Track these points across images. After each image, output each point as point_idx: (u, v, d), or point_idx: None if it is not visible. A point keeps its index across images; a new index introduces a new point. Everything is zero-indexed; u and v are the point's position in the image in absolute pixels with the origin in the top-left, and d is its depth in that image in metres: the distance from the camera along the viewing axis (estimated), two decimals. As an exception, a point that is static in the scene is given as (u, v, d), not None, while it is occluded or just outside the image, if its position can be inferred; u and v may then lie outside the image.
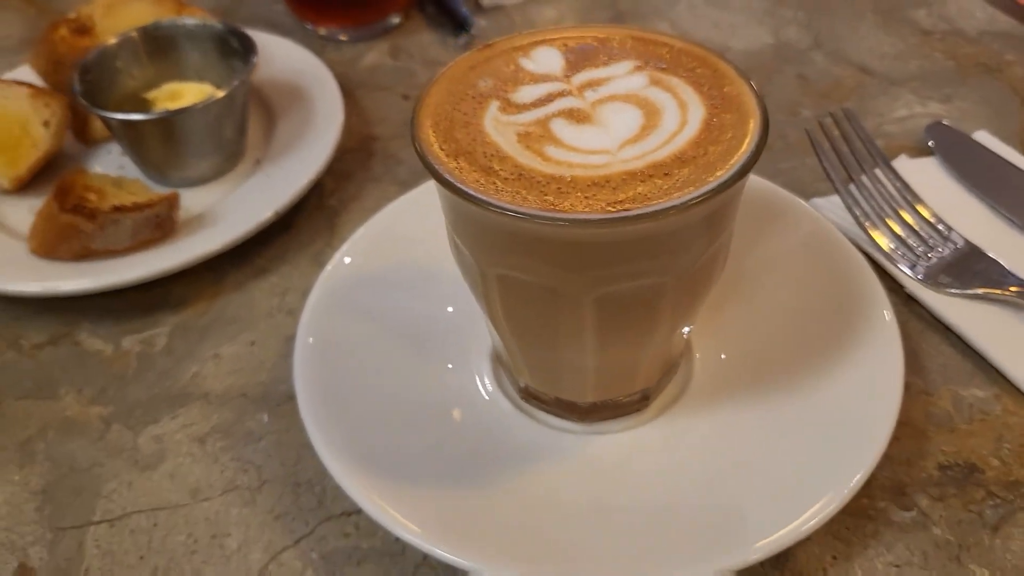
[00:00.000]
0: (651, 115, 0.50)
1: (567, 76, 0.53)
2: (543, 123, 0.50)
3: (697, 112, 0.50)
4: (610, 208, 0.44)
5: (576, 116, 0.50)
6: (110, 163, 0.84)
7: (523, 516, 0.53)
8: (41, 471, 0.61)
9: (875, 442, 0.52)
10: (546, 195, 0.45)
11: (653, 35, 0.56)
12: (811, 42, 0.95)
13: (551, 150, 0.48)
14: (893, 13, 0.99)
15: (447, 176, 0.46)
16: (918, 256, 0.68)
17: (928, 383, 0.61)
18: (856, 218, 0.70)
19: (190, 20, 0.82)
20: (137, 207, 0.69)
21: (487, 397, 0.61)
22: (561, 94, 0.52)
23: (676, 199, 0.44)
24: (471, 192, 0.45)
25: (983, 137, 0.79)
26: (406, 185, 0.80)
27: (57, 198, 0.70)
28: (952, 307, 0.65)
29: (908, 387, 0.55)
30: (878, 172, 0.73)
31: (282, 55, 0.90)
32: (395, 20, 1.00)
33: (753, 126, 0.49)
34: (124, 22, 0.90)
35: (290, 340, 0.67)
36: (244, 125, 0.80)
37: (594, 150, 0.48)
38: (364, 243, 0.68)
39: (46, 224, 0.70)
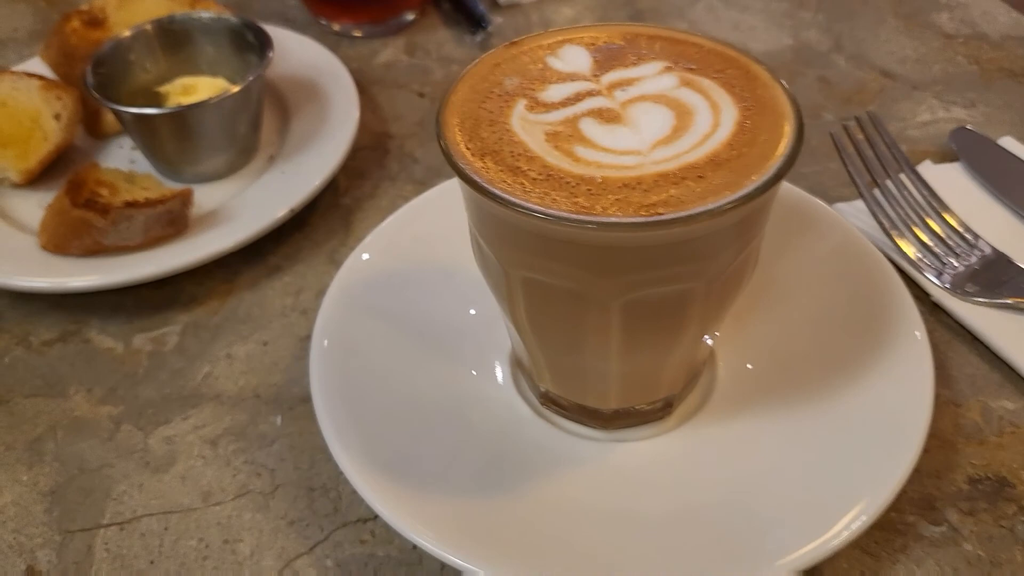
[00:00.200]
0: (683, 116, 0.48)
1: (595, 75, 0.52)
2: (572, 122, 0.48)
3: (730, 114, 0.48)
4: (643, 211, 0.42)
5: (606, 116, 0.48)
6: (121, 157, 0.82)
7: (542, 524, 0.52)
8: (50, 471, 0.60)
9: (906, 455, 0.51)
10: (576, 197, 0.44)
11: (682, 35, 0.54)
12: (832, 45, 0.93)
13: (581, 150, 0.46)
14: (915, 16, 0.97)
15: (473, 176, 0.45)
16: (944, 264, 0.66)
17: (956, 394, 0.60)
18: (881, 224, 0.68)
19: (205, 14, 0.81)
20: (150, 203, 0.68)
21: (506, 402, 0.59)
22: (590, 93, 0.50)
23: (712, 203, 0.42)
24: (498, 193, 0.44)
25: (1009, 143, 0.77)
26: (422, 184, 0.79)
27: (69, 193, 0.68)
28: (980, 316, 0.63)
29: (936, 398, 0.54)
30: (903, 177, 0.72)
31: (297, 50, 0.89)
32: (410, 16, 0.99)
33: (788, 129, 0.47)
34: (137, 15, 0.89)
35: (303, 341, 0.65)
36: (258, 120, 0.79)
37: (625, 151, 0.46)
38: (381, 242, 0.67)
39: (57, 219, 0.69)
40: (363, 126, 0.82)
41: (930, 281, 0.66)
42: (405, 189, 0.79)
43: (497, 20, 0.99)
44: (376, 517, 0.53)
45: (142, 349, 0.67)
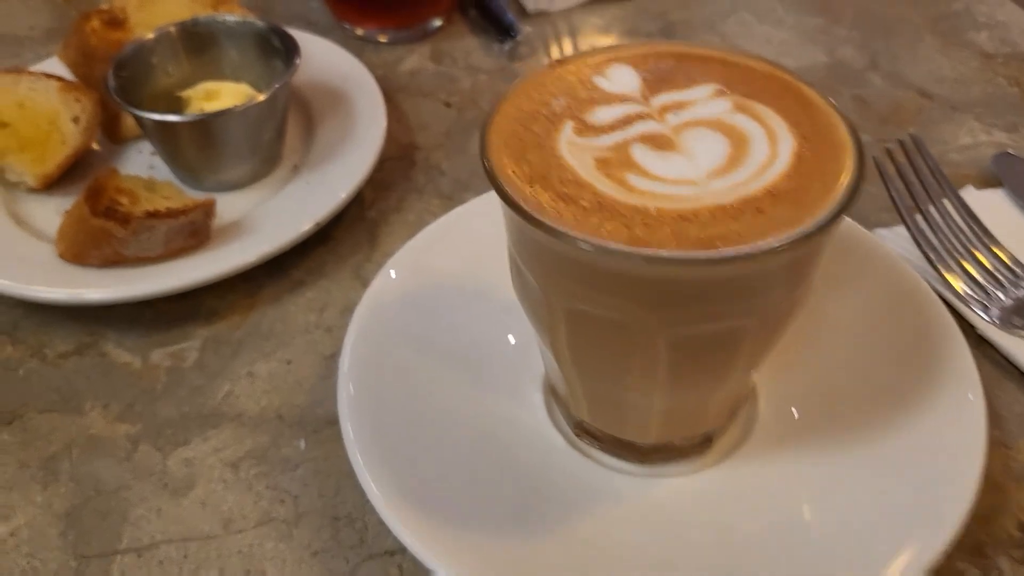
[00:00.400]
0: (739, 144, 0.46)
1: (645, 97, 0.50)
2: (623, 148, 0.46)
3: (787, 143, 0.46)
4: (701, 246, 0.40)
5: (658, 142, 0.46)
6: (140, 163, 0.81)
7: (576, 562, 0.50)
8: (65, 492, 0.58)
9: (960, 501, 0.49)
10: (631, 228, 0.42)
11: (735, 56, 0.52)
12: (867, 63, 0.91)
13: (633, 178, 0.44)
14: (952, 35, 0.95)
15: (522, 204, 0.43)
16: (991, 297, 0.64)
17: (1006, 434, 0.57)
18: (925, 254, 0.66)
19: (230, 17, 0.79)
20: (172, 213, 0.66)
21: (540, 431, 0.58)
22: (640, 117, 0.48)
23: (774, 240, 0.40)
24: (549, 223, 0.42)
25: (1054, 170, 0.75)
26: (449, 198, 0.77)
27: (88, 200, 0.66)
28: (1030, 352, 0.61)
29: (986, 439, 0.52)
30: (946, 203, 0.70)
31: (321, 55, 0.87)
32: (437, 23, 0.97)
33: (848, 160, 0.45)
34: (158, 16, 0.87)
35: (328, 360, 0.64)
36: (283, 129, 0.77)
37: (680, 180, 0.44)
38: (410, 259, 0.65)
39: (76, 227, 0.67)
40: (389, 136, 0.80)
41: (976, 315, 0.64)
42: (432, 203, 0.77)
43: (525, 29, 0.97)
44: (404, 550, 0.51)
45: (160, 364, 0.65)
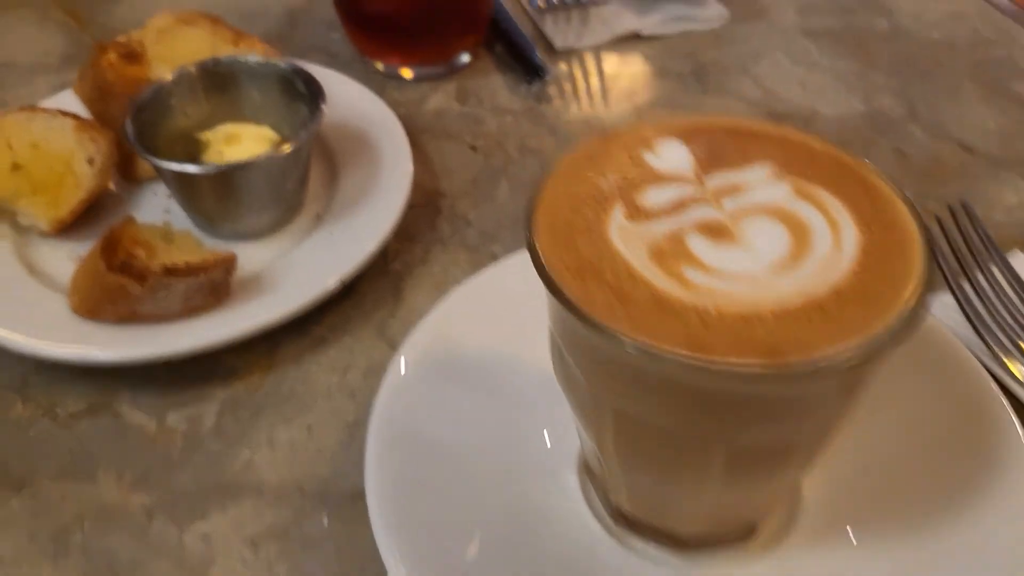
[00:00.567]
0: (800, 235, 0.44)
1: (699, 178, 0.48)
2: (678, 237, 0.44)
3: (850, 234, 0.44)
4: (765, 354, 0.38)
5: (715, 231, 0.44)
6: (156, 205, 0.79)
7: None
8: (76, 567, 0.56)
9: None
10: (689, 328, 0.40)
11: (791, 133, 0.50)
12: (906, 112, 0.89)
13: (691, 273, 0.42)
14: (994, 84, 0.93)
15: (574, 300, 0.41)
16: (1047, 376, 0.62)
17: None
18: (977, 330, 0.64)
19: (253, 58, 0.77)
20: (191, 270, 0.64)
21: (576, 516, 0.55)
22: (695, 200, 0.46)
23: (844, 350, 0.38)
24: (603, 324, 0.40)
25: (1106, 235, 0.73)
26: (475, 251, 0.75)
27: (103, 253, 0.64)
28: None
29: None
30: (995, 271, 0.68)
31: (344, 94, 0.85)
32: (463, 59, 0.95)
33: (917, 254, 0.43)
34: (176, 49, 0.85)
35: (351, 427, 0.62)
36: (306, 176, 0.75)
37: (740, 275, 0.42)
38: (440, 324, 0.63)
39: (91, 282, 0.65)
40: (413, 181, 0.77)
41: (1031, 396, 0.62)
42: (458, 255, 0.75)
43: (553, 69, 0.94)
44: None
45: (176, 428, 0.63)
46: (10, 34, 1.03)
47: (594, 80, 0.92)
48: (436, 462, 0.56)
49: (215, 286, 0.66)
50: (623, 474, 0.50)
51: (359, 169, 0.79)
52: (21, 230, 0.75)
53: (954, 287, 0.66)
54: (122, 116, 0.78)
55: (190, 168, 0.68)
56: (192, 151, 0.76)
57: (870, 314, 0.40)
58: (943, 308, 0.68)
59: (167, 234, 0.71)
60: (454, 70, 0.94)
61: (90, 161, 0.76)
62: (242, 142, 0.75)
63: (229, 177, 0.69)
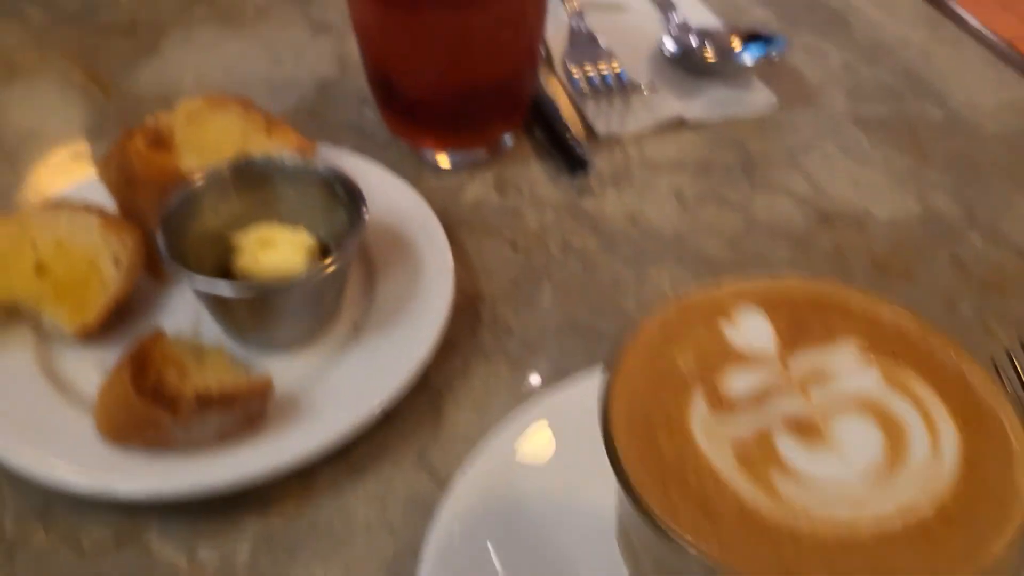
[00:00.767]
0: (895, 436, 0.42)
1: (783, 359, 0.45)
2: (765, 437, 0.42)
3: (949, 436, 0.42)
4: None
5: (804, 429, 0.42)
6: (185, 307, 0.76)
7: None
8: None
9: None
10: (780, 552, 0.38)
11: (876, 304, 0.48)
12: (963, 215, 0.87)
13: (781, 482, 0.40)
14: (1055, 184, 0.91)
15: (657, 513, 0.38)
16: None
17: None
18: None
19: (288, 158, 0.75)
20: (225, 399, 0.62)
21: None
22: (780, 389, 0.44)
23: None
24: (688, 543, 0.37)
25: None
26: (517, 364, 0.73)
27: (133, 378, 0.62)
28: None
29: None
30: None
31: (380, 187, 0.83)
32: (505, 142, 0.92)
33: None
34: (206, 136, 0.83)
35: (390, 565, 0.60)
36: (344, 287, 0.73)
37: (834, 487, 0.40)
38: (488, 466, 0.60)
39: (118, 407, 0.63)
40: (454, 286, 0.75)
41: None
42: (499, 368, 0.73)
43: (596, 160, 0.92)
44: None
45: (208, 564, 0.61)
46: (30, 100, 1.01)
47: (637, 172, 0.90)
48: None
49: (250, 415, 0.63)
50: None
51: (397, 273, 0.77)
52: (44, 335, 0.73)
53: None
54: (149, 207, 0.77)
55: (225, 290, 0.65)
56: (224, 255, 0.74)
57: (976, 539, 0.38)
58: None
59: (198, 350, 0.69)
60: (493, 155, 0.92)
61: (116, 261, 0.74)
62: (278, 248, 0.73)
63: (266, 298, 0.67)
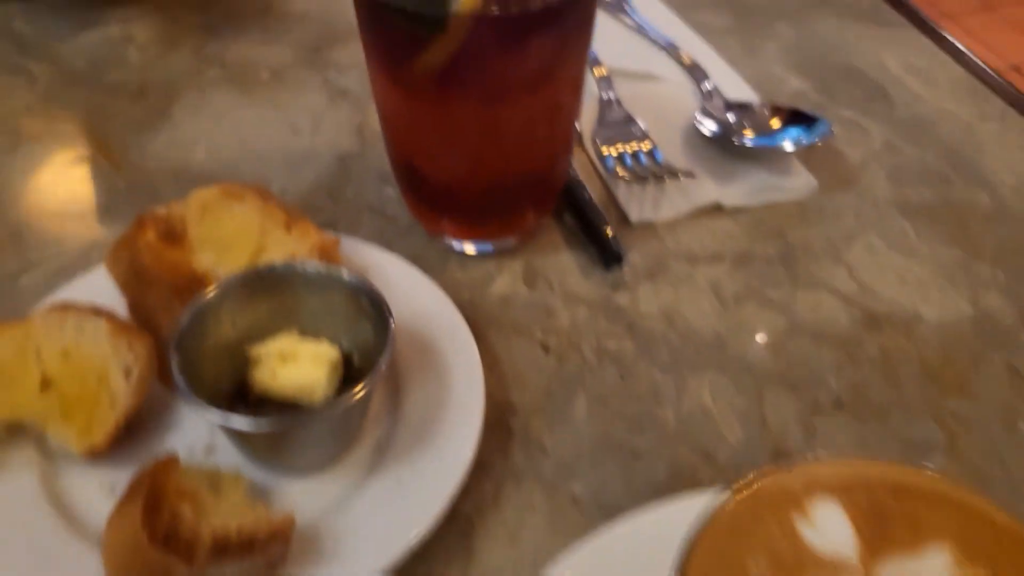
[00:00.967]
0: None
1: (866, 565, 0.41)
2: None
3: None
4: None
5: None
6: (198, 424, 0.72)
7: None
8: None
9: None
10: None
11: (964, 496, 0.44)
12: (1018, 317, 0.83)
13: None
14: (1113, 283, 0.87)
15: None
16: None
17: None
18: None
19: (311, 267, 0.71)
20: (244, 544, 0.58)
21: None
22: (867, 608, 0.39)
23: None
24: None
25: None
26: (552, 490, 0.69)
27: (145, 519, 0.58)
28: None
29: None
30: None
31: (404, 285, 0.79)
32: (530, 226, 0.89)
33: None
34: (222, 231, 0.79)
35: None
36: (368, 408, 0.69)
37: None
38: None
39: (128, 552, 0.59)
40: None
41: None
42: (533, 495, 0.69)
43: (627, 246, 0.88)
44: None
45: None
46: (36, 173, 0.97)
47: (673, 263, 0.86)
48: None
49: (271, 561, 0.59)
50: None
51: (423, 384, 0.73)
52: (48, 454, 0.69)
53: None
54: (160, 306, 0.74)
55: (240, 425, 0.61)
56: (241, 366, 0.70)
57: None
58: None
59: (214, 477, 0.65)
60: (520, 242, 0.88)
61: (127, 372, 0.70)
62: (298, 362, 0.69)
63: (288, 430, 0.63)
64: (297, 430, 0.63)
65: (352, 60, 1.15)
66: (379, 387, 0.73)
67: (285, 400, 0.69)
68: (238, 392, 0.71)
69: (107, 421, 0.69)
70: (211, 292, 0.70)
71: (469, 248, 0.88)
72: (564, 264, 0.89)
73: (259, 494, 0.66)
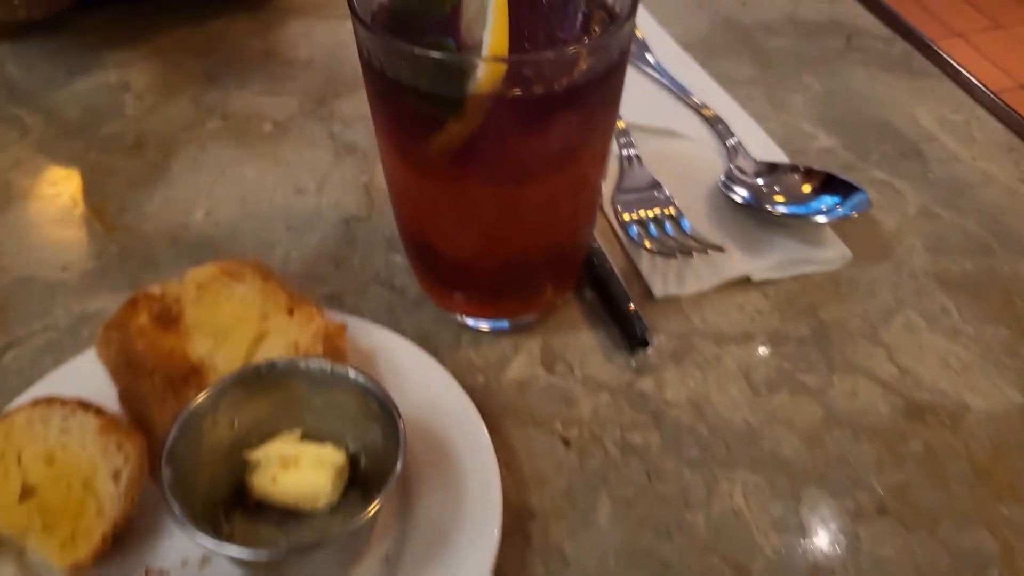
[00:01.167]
0: None
1: None
2: None
3: None
4: None
5: None
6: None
7: None
8: None
9: None
10: None
11: None
12: (1072, 407, 0.77)
13: None
14: None
15: None
16: None
17: None
18: None
19: (315, 365, 0.66)
20: None
21: None
22: None
23: None
24: None
25: None
26: (575, 608, 0.63)
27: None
28: None
29: None
30: None
31: (413, 374, 0.74)
32: (549, 302, 0.83)
33: None
34: (219, 315, 0.75)
35: None
36: (376, 523, 0.63)
37: None
38: None
39: None
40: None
41: None
42: (555, 616, 0.63)
43: (650, 322, 0.83)
44: None
45: None
46: (25, 234, 0.92)
47: (699, 344, 0.81)
48: None
49: None
50: None
51: (435, 489, 0.68)
52: (29, 570, 0.63)
53: None
54: (153, 396, 0.70)
55: (240, 555, 0.56)
56: (238, 469, 0.65)
57: None
58: None
59: (208, 600, 0.59)
60: (539, 318, 0.83)
61: (116, 475, 0.65)
62: (301, 467, 0.64)
63: (293, 559, 0.57)
64: (297, 558, 0.58)
65: (358, 112, 1.10)
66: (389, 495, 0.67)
67: (287, 506, 0.64)
68: (236, 495, 0.66)
69: (93, 532, 0.64)
70: (206, 394, 0.64)
71: (483, 325, 0.83)
72: (585, 343, 0.83)
73: (257, 621, 0.61)
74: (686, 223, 0.91)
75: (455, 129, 0.65)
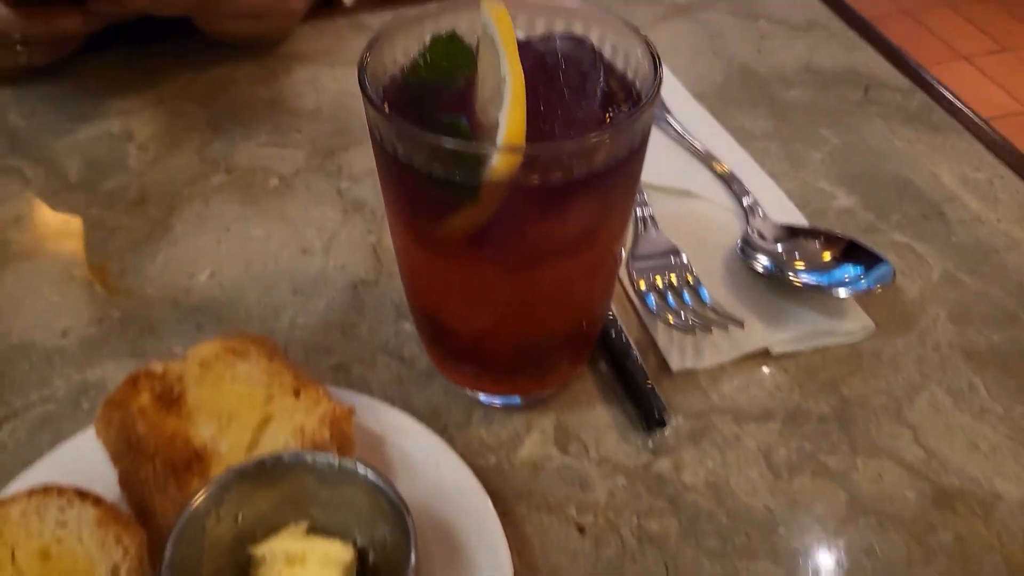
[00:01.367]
0: None
1: None
2: None
3: None
4: None
5: None
6: (193, 625, 0.64)
7: None
8: None
9: None
10: None
11: None
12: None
13: None
14: None
15: None
16: None
17: None
18: None
19: (322, 459, 0.64)
20: None
21: None
22: None
23: None
24: None
25: None
26: None
27: None
28: None
29: None
30: None
31: (422, 459, 0.73)
32: (563, 378, 0.81)
33: None
34: (222, 396, 0.73)
35: None
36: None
37: None
38: None
39: None
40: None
41: None
42: None
43: (667, 397, 0.81)
44: None
45: None
46: (26, 297, 0.90)
47: (718, 422, 0.78)
48: None
49: None
50: None
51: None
52: (22, 674, 0.61)
53: None
54: (153, 480, 0.68)
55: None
56: (243, 565, 0.62)
57: None
58: None
59: None
60: (552, 393, 0.81)
61: (114, 572, 0.63)
62: (307, 565, 0.62)
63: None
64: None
65: (366, 167, 1.08)
66: None
67: (292, 605, 0.62)
68: (240, 594, 0.63)
69: (89, 637, 0.61)
70: (208, 490, 0.62)
71: (495, 401, 0.81)
72: (600, 421, 0.81)
73: None
74: (705, 292, 0.89)
75: (469, 214, 0.63)
